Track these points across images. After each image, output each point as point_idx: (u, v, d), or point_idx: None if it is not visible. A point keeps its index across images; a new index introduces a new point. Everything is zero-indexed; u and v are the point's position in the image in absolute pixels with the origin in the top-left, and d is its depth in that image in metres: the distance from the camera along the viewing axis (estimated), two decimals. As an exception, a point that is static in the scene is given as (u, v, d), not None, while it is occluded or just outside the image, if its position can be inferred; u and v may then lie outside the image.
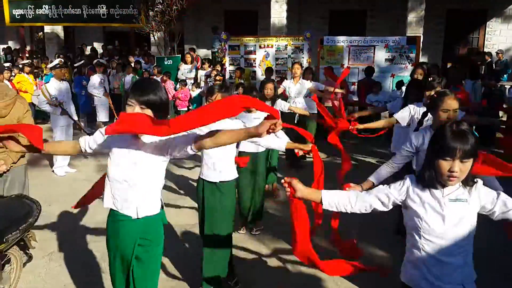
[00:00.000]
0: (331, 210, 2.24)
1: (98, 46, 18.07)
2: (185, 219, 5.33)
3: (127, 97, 2.42)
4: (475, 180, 2.08)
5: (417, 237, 2.12)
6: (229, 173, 3.70)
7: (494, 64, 13.67)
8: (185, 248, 4.62)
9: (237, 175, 3.80)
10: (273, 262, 4.34)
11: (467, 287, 2.11)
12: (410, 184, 2.16)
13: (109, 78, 12.46)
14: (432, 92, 4.23)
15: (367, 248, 4.59)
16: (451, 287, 2.09)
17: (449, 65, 13.64)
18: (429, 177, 2.07)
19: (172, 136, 2.23)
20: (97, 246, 4.58)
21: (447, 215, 2.04)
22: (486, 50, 15.41)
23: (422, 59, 12.98)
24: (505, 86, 10.89)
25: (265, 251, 4.56)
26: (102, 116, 10.87)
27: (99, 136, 2.58)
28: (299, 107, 7.71)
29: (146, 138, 2.45)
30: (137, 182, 2.45)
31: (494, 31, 15.42)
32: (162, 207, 2.64)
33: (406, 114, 4.50)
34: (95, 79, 10.83)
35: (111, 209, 2.57)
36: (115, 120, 7.38)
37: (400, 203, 2.19)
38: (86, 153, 2.68)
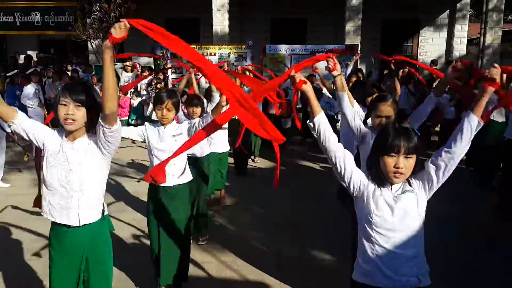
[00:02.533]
0: (314, 126, 2.21)
1: (33, 54, 17.26)
2: (131, 229, 5.15)
3: (59, 97, 2.30)
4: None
5: (369, 231, 2.15)
6: (183, 176, 3.66)
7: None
8: (134, 259, 4.45)
9: (191, 178, 3.77)
10: (220, 272, 4.27)
11: (421, 279, 2.16)
12: (366, 179, 2.21)
13: (44, 87, 11.91)
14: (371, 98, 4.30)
15: (310, 250, 4.64)
16: (406, 279, 2.13)
17: (385, 72, 14.19)
18: (376, 175, 2.13)
19: (101, 131, 2.25)
20: (37, 262, 4.32)
21: (396, 207, 2.10)
22: (419, 57, 16.22)
23: (360, 66, 13.45)
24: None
25: (212, 261, 4.49)
26: (37, 127, 10.35)
27: (42, 126, 2.43)
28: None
29: (79, 141, 2.37)
30: (75, 188, 2.36)
31: (426, 40, 16.28)
32: (104, 212, 2.54)
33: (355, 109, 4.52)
34: (29, 89, 10.33)
35: (52, 227, 2.46)
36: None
37: (354, 189, 2.21)
38: (13, 131, 2.42)
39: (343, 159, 2.18)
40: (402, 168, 2.02)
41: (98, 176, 2.44)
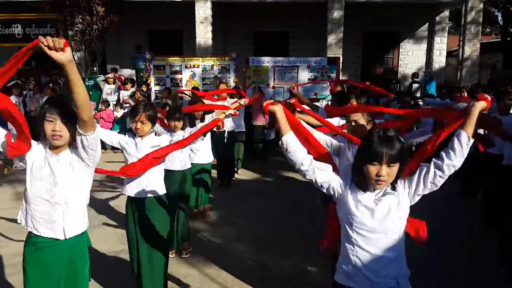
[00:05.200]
0: (282, 144, 2.24)
1: (13, 66, 17.04)
2: (110, 245, 5.08)
3: (44, 113, 2.30)
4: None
5: (350, 232, 2.17)
6: (157, 188, 3.66)
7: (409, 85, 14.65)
8: (115, 274, 4.39)
9: (165, 191, 3.76)
10: (203, 285, 4.24)
11: (400, 281, 2.17)
12: (347, 181, 2.23)
13: (25, 100, 11.77)
14: (352, 104, 4.35)
15: (294, 262, 4.64)
16: (386, 281, 2.15)
17: (367, 83, 14.37)
18: (358, 181, 2.16)
19: (81, 140, 2.27)
20: (17, 277, 4.22)
21: (377, 209, 2.13)
22: (400, 69, 16.52)
23: (342, 78, 13.61)
24: (419, 102, 11.63)
25: (195, 274, 4.45)
26: (17, 140, 10.20)
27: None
28: (228, 125, 7.79)
29: (64, 154, 2.38)
30: (60, 201, 2.35)
31: (407, 52, 16.59)
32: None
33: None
34: (10, 101, 10.16)
35: (30, 235, 2.42)
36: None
37: (334, 193, 2.24)
38: None
39: (313, 172, 2.22)
40: (384, 176, 2.04)
41: (82, 188, 2.45)
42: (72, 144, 2.42)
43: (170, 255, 4.79)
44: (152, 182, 3.62)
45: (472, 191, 7.04)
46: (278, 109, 2.23)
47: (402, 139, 2.11)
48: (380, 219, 2.12)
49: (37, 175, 2.36)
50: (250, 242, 5.28)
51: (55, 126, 2.28)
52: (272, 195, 7.01)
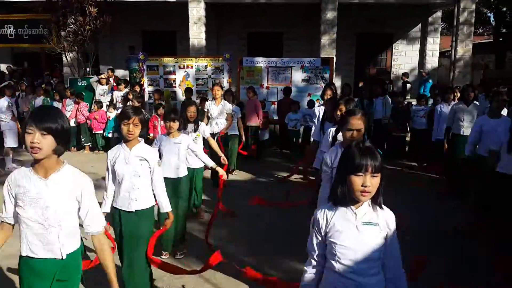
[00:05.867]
0: None
1: (5, 67, 16.97)
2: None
3: (25, 125, 2.26)
4: (382, 207, 2.18)
5: (333, 262, 2.16)
6: (146, 200, 3.63)
7: (403, 86, 14.71)
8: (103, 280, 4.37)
9: (154, 203, 3.72)
10: (198, 287, 4.24)
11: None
12: (323, 216, 2.20)
13: (17, 101, 11.69)
14: (341, 110, 4.34)
15: (287, 264, 4.65)
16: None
17: (360, 84, 14.46)
18: (341, 193, 2.13)
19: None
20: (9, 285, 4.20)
21: (360, 238, 2.11)
22: (393, 70, 16.59)
23: (336, 79, 13.68)
24: (412, 103, 11.71)
25: (190, 276, 4.44)
26: (10, 142, 10.10)
27: (6, 196, 2.39)
28: (221, 128, 7.82)
29: (52, 178, 2.34)
30: (54, 224, 2.33)
31: (400, 53, 16.67)
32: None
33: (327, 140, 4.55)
34: (2, 102, 10.08)
35: (25, 258, 2.39)
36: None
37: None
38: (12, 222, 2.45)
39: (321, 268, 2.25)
40: (369, 186, 2.04)
41: (74, 208, 2.42)
42: (62, 168, 2.38)
43: (164, 257, 4.80)
44: (142, 194, 3.59)
45: (459, 191, 7.05)
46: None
47: (380, 151, 2.13)
48: (363, 249, 2.11)
49: (27, 201, 2.32)
50: (245, 243, 5.28)
51: (33, 138, 2.22)
52: (266, 196, 7.01)
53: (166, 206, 3.79)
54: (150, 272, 3.76)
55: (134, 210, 3.54)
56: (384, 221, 2.16)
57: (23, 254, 2.38)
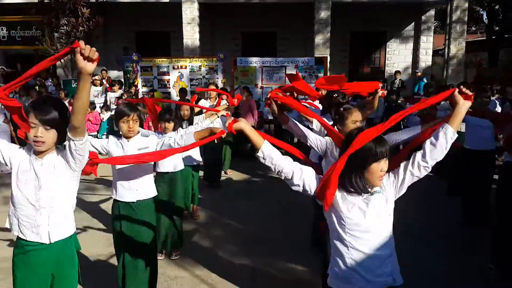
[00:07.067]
0: (260, 158, 2.24)
1: (-2, 69, 16.89)
2: (99, 248, 5.04)
3: (27, 115, 2.27)
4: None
5: (343, 234, 2.17)
6: (147, 191, 3.61)
7: (391, 83, 14.72)
8: (102, 278, 4.36)
9: (155, 193, 3.71)
10: (194, 286, 4.23)
11: (395, 278, 2.19)
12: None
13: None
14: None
15: (283, 263, 4.65)
16: (383, 280, 2.16)
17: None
18: (359, 185, 2.13)
19: (70, 145, 2.25)
20: (3, 282, 4.17)
21: (369, 209, 2.14)
22: (387, 68, 16.63)
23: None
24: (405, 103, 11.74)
25: (185, 276, 4.44)
26: (3, 144, 10.09)
27: (7, 144, 2.42)
28: (217, 126, 7.80)
29: (48, 158, 2.36)
30: (45, 205, 2.34)
31: (393, 51, 16.71)
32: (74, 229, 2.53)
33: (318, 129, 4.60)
34: (-5, 104, 10.05)
35: (19, 239, 2.42)
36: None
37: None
38: None
39: (301, 177, 2.23)
40: (385, 170, 2.12)
41: (67, 192, 2.43)
42: (57, 147, 2.40)
43: (159, 257, 4.78)
44: (143, 184, 3.57)
45: (457, 188, 7.08)
46: (243, 125, 2.22)
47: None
48: (372, 219, 2.13)
49: (22, 179, 2.35)
50: (240, 243, 5.28)
51: (37, 132, 2.25)
52: (261, 195, 7.01)
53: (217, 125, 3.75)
54: (150, 272, 3.69)
55: (135, 201, 3.53)
56: (387, 183, 2.23)
57: (15, 233, 2.41)
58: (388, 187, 2.22)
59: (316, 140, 3.56)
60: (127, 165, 3.47)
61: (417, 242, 5.12)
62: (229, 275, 4.37)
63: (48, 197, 2.35)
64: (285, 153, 2.40)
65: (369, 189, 2.16)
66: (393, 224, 2.24)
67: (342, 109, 3.65)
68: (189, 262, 4.73)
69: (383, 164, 2.11)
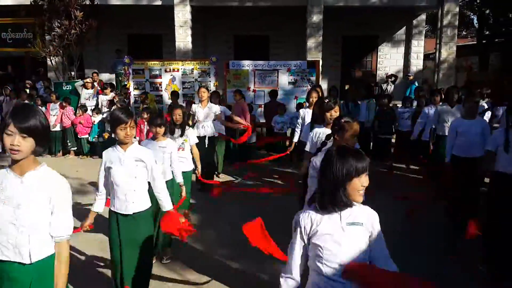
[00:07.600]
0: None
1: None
2: (92, 252, 5.02)
3: (5, 125, 2.21)
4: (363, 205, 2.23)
5: (319, 265, 2.16)
6: (143, 202, 3.60)
7: (382, 86, 14.80)
8: (95, 282, 4.34)
9: (150, 204, 3.69)
10: (185, 290, 4.22)
11: None
12: (308, 219, 2.21)
13: (2, 105, 11.56)
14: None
15: (275, 267, 4.64)
16: None
17: (346, 86, 14.56)
18: (343, 199, 2.13)
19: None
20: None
21: (346, 240, 2.13)
22: (378, 72, 16.72)
23: (322, 81, 13.74)
24: (397, 105, 11.81)
25: (176, 280, 4.43)
26: (-7, 147, 10.01)
27: None
28: (208, 131, 7.83)
29: (28, 176, 2.29)
30: (25, 224, 2.26)
31: (385, 55, 16.82)
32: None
33: (313, 142, 4.58)
34: (-15, 107, 9.99)
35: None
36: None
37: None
38: None
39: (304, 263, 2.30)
40: (366, 184, 2.13)
41: (49, 210, 2.34)
42: (39, 168, 2.33)
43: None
44: (139, 196, 3.56)
45: (445, 193, 7.10)
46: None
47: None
48: (350, 249, 2.13)
49: (1, 198, 2.26)
50: (231, 247, 5.27)
51: (13, 140, 2.19)
52: (253, 199, 7.00)
53: (168, 204, 3.73)
54: (144, 279, 3.70)
55: (132, 213, 3.51)
56: (367, 219, 2.19)
57: None
58: (367, 224, 2.19)
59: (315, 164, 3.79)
60: (123, 177, 3.48)
61: (407, 245, 5.14)
62: (221, 279, 4.37)
63: (28, 216, 2.26)
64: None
65: (343, 207, 2.15)
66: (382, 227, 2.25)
67: (343, 120, 3.68)
68: (180, 266, 4.72)
69: (364, 179, 2.13)
